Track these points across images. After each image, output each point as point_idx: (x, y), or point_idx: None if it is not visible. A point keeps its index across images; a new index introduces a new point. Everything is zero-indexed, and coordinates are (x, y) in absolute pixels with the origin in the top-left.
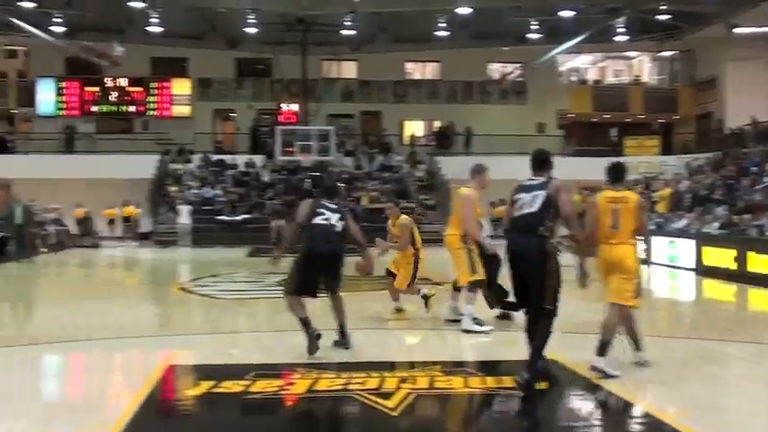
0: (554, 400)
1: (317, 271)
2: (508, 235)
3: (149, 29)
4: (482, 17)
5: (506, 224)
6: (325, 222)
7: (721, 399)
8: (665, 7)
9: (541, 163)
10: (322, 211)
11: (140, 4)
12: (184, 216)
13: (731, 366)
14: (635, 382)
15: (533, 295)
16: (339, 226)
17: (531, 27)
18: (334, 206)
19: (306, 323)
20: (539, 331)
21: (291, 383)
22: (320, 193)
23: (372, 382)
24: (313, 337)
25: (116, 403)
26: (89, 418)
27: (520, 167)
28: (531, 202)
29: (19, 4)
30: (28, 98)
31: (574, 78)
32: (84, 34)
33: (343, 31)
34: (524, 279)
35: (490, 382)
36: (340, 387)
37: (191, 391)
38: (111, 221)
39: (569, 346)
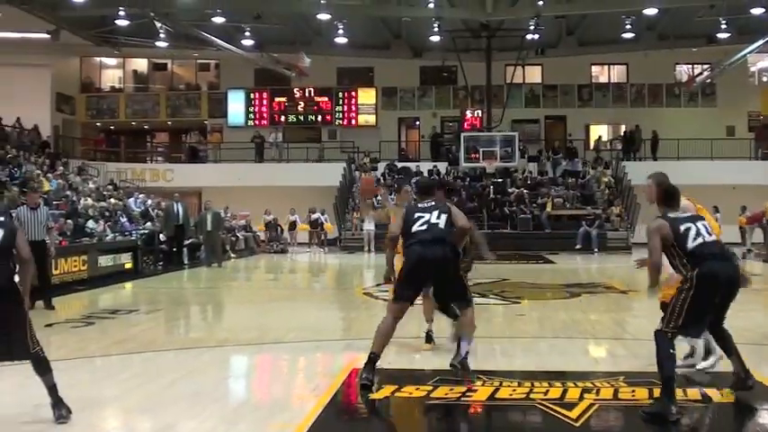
0: (746, 415)
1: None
2: None
3: (335, 40)
4: (669, 17)
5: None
6: (423, 228)
7: None
8: None
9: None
10: (419, 215)
11: (326, 16)
12: (369, 223)
13: None
14: None
15: None
16: (443, 221)
17: (721, 26)
18: (429, 205)
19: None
20: None
21: (473, 390)
22: (417, 195)
23: (555, 392)
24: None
25: (301, 405)
26: (274, 419)
27: (710, 172)
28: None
29: (212, 19)
30: (219, 109)
31: (765, 79)
32: (272, 47)
33: (528, 36)
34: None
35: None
36: (522, 396)
37: (373, 395)
38: (293, 227)
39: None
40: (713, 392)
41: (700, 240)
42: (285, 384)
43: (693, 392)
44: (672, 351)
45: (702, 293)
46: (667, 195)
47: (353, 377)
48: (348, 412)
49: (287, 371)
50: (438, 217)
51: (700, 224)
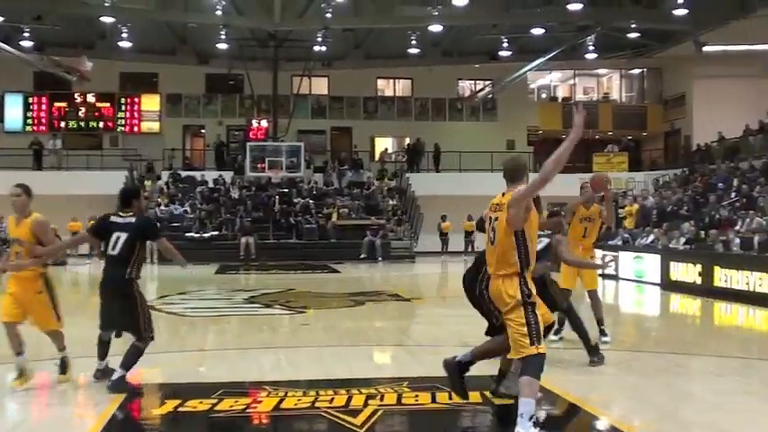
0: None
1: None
2: None
3: (119, 44)
4: (453, 35)
5: None
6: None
7: (686, 412)
8: (634, 25)
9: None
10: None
11: (110, 20)
12: None
13: (696, 379)
14: (600, 395)
15: None
16: (119, 249)
17: (502, 45)
18: (125, 221)
19: None
20: None
21: (258, 401)
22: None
23: (340, 400)
24: None
25: (81, 423)
26: None
27: (489, 184)
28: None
29: None
30: None
31: (544, 95)
32: (53, 49)
33: (315, 47)
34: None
35: (457, 397)
36: (308, 405)
37: (156, 410)
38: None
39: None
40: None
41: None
42: (65, 402)
43: (474, 395)
44: None
45: None
46: None
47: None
48: (129, 429)
49: (67, 387)
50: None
51: None
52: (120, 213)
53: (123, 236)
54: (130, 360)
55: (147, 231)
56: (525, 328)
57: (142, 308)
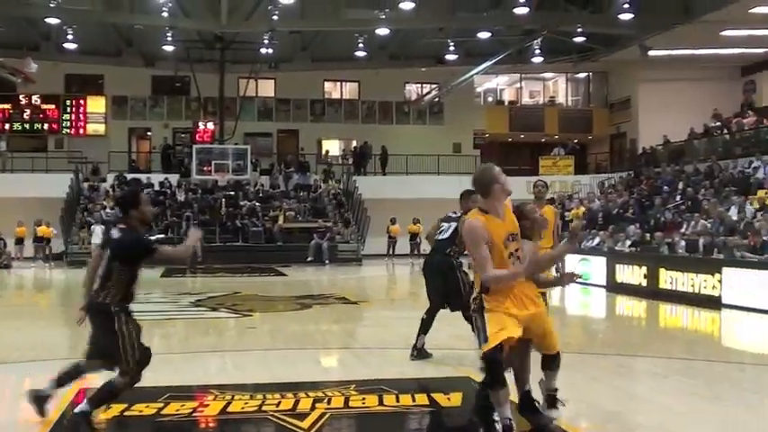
0: (463, 415)
1: None
2: None
3: (65, 45)
4: (400, 38)
5: None
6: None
7: (633, 413)
8: (580, 30)
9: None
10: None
11: (55, 21)
12: (98, 236)
13: (642, 381)
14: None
15: None
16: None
17: (449, 48)
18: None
19: None
20: None
21: (205, 405)
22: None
23: (287, 403)
24: None
25: (27, 428)
26: None
27: (435, 187)
28: None
29: None
30: None
31: (490, 99)
32: None
33: (262, 50)
34: None
35: (404, 399)
36: (255, 408)
37: (102, 415)
38: (20, 241)
39: None
40: (440, 397)
41: None
42: (9, 407)
43: (421, 398)
44: None
45: None
46: None
47: (81, 397)
48: None
49: (10, 393)
50: None
51: None
52: (119, 225)
53: (106, 254)
54: (101, 397)
55: (128, 252)
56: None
57: (123, 342)
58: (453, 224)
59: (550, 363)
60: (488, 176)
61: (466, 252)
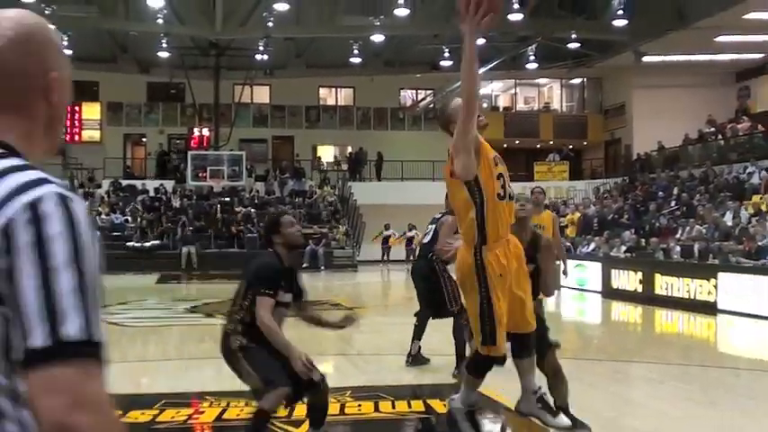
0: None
1: None
2: None
3: None
4: (395, 44)
5: None
6: None
7: (629, 419)
8: (574, 36)
9: None
10: None
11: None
12: None
13: (638, 386)
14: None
15: None
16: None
17: (444, 54)
18: None
19: None
20: None
21: (200, 412)
22: None
23: (282, 410)
24: None
25: None
26: None
27: (430, 193)
28: None
29: None
30: None
31: (485, 105)
32: None
33: (257, 56)
34: None
35: (400, 406)
36: (250, 415)
37: None
38: None
39: None
40: (436, 403)
41: None
42: None
43: (417, 404)
44: None
45: None
46: None
47: None
48: None
49: None
50: None
51: None
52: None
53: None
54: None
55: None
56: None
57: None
58: (432, 226)
59: (521, 349)
60: None
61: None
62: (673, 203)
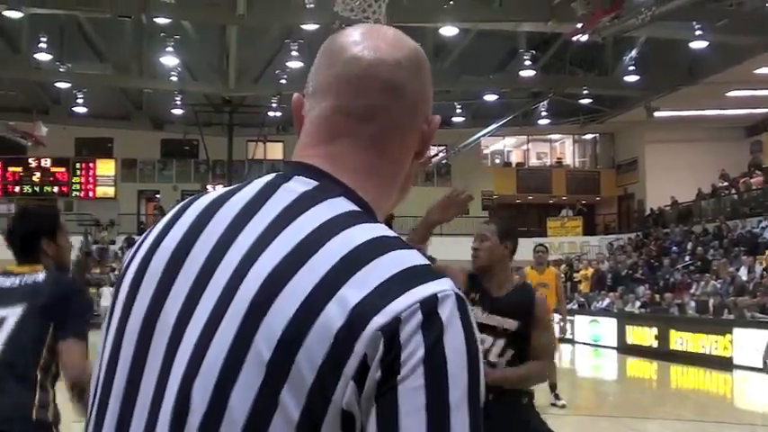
0: None
1: None
2: None
3: (74, 109)
4: None
5: None
6: None
7: None
8: (586, 92)
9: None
10: None
11: (65, 85)
12: (107, 297)
13: None
14: None
15: None
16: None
17: (456, 111)
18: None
19: None
20: None
21: None
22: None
23: None
24: None
25: None
26: None
27: (442, 248)
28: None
29: None
30: None
31: (498, 161)
32: (6, 114)
33: (270, 113)
34: None
35: None
36: None
37: None
38: None
39: None
40: None
41: None
42: None
43: None
44: None
45: None
46: None
47: None
48: None
49: None
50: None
51: None
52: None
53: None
54: None
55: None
56: None
57: None
58: None
59: None
60: None
61: None
62: (687, 258)
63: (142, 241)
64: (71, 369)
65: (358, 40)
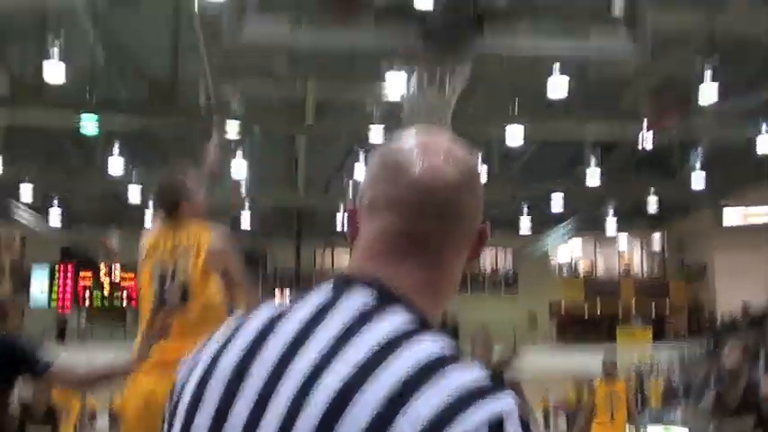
0: None
1: None
2: None
3: (145, 218)
4: None
5: None
6: None
7: None
8: (653, 197)
9: None
10: None
11: (137, 194)
12: None
13: None
14: None
15: None
16: None
17: (522, 215)
18: None
19: None
20: None
21: None
22: None
23: None
24: None
25: None
26: None
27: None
28: None
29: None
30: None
31: (565, 269)
32: (80, 224)
33: (338, 222)
34: None
35: None
36: None
37: None
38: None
39: None
40: None
41: None
42: None
43: None
44: None
45: None
46: None
47: None
48: None
49: None
50: None
51: None
52: None
53: None
54: None
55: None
56: None
57: None
58: None
59: None
60: None
61: None
62: (761, 363)
63: (196, 360)
64: None
65: (415, 157)
